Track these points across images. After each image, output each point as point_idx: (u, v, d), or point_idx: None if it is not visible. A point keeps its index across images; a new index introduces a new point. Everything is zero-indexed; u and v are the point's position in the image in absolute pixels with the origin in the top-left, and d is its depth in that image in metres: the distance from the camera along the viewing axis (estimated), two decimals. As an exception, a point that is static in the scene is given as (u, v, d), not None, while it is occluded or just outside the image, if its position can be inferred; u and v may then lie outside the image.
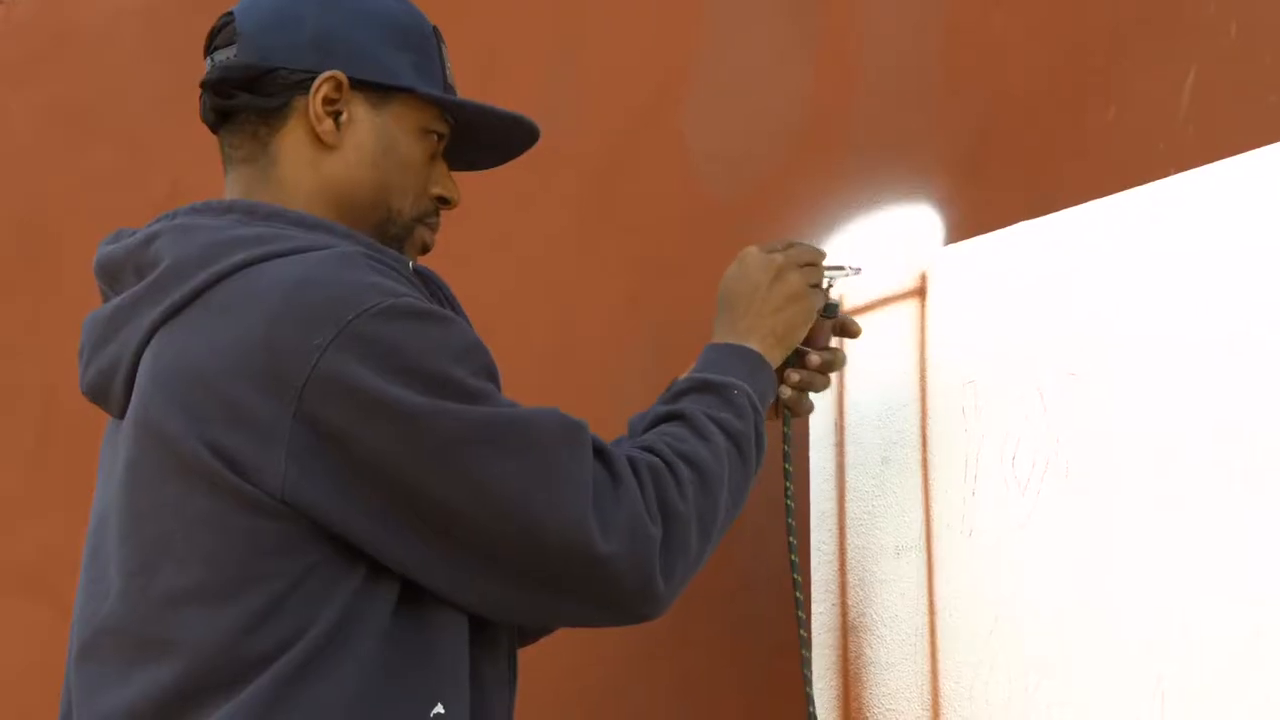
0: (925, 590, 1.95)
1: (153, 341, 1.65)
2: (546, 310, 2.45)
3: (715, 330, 1.88)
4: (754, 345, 1.85)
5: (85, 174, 3.08)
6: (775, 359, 1.87)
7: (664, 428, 1.74)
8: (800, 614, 1.94)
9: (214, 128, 1.79)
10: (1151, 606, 1.75)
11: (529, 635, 1.89)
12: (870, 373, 2.03)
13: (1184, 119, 1.84)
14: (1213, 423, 1.74)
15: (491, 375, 1.64)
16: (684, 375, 1.84)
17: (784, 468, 1.97)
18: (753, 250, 1.91)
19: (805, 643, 1.94)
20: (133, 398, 1.66)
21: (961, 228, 2.01)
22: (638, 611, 1.65)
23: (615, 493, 1.61)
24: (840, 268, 1.97)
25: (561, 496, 1.59)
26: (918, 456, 1.99)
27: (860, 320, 2.01)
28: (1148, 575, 1.76)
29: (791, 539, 1.95)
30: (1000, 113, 2.02)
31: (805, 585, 1.99)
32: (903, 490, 1.99)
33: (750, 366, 1.83)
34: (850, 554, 2.03)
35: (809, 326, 1.91)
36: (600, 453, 1.64)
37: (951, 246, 2.02)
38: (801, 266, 1.90)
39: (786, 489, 1.97)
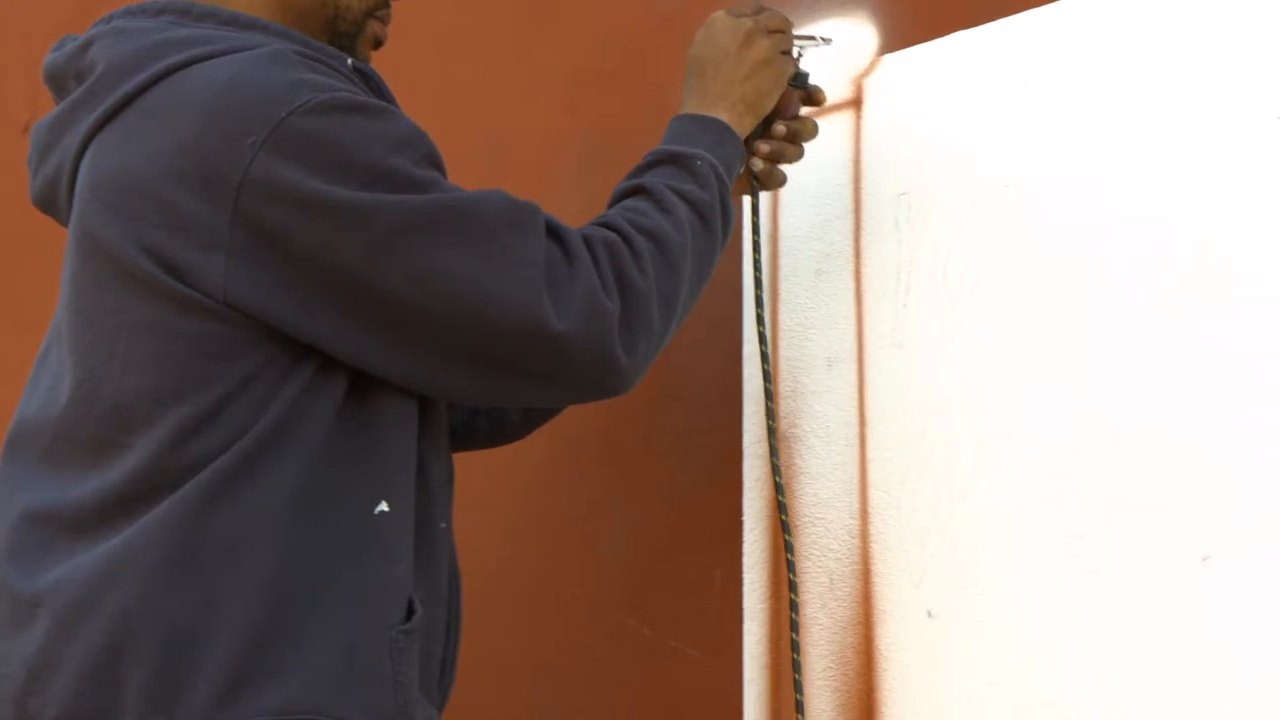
0: (856, 401, 1.96)
1: (89, 149, 1.64)
2: (482, 117, 2.43)
3: (683, 101, 1.85)
4: (722, 114, 1.82)
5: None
6: (745, 127, 1.85)
7: (626, 202, 1.73)
8: (769, 404, 1.92)
9: None
10: (1078, 418, 1.77)
11: (500, 432, 1.92)
12: (804, 184, 2.02)
13: (1122, -73, 1.82)
14: (1145, 235, 1.75)
15: (435, 163, 1.62)
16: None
17: (754, 241, 1.93)
18: (720, 15, 1.87)
19: (774, 433, 1.93)
20: (74, 206, 1.65)
21: (899, 37, 1.99)
22: (602, 386, 1.65)
23: (569, 270, 1.60)
24: (810, 37, 1.93)
25: (511, 277, 1.58)
26: (851, 269, 1.99)
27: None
28: (1075, 387, 1.78)
29: (761, 319, 1.92)
30: (939, -81, 1.99)
31: (774, 362, 1.97)
32: (835, 302, 2.00)
33: (716, 136, 1.80)
34: (783, 365, 2.04)
35: (779, 93, 1.87)
36: (554, 232, 1.63)
37: (888, 56, 2.00)
38: (771, 32, 1.86)
39: (756, 262, 1.93)
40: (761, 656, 1.99)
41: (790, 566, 1.90)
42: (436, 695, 1.69)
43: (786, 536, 1.91)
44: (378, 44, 1.79)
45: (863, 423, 1.95)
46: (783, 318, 2.04)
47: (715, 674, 2.02)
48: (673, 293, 1.68)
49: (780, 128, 1.88)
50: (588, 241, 1.64)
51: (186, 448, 1.57)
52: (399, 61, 1.97)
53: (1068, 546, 1.76)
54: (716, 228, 1.75)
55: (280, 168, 1.55)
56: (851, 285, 1.98)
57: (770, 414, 1.93)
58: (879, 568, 1.91)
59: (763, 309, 1.92)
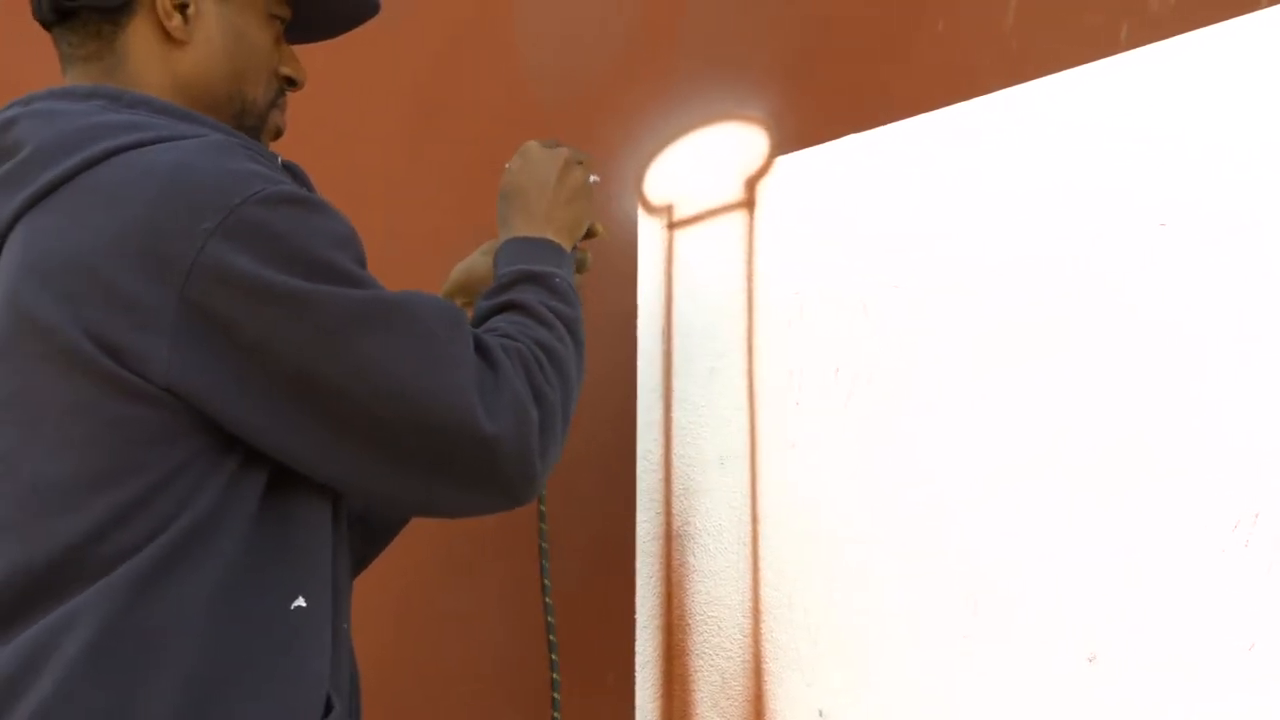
0: (749, 500, 1.97)
1: (17, 228, 1.63)
2: (375, 216, 2.42)
3: (507, 224, 1.89)
4: (551, 236, 1.88)
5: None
6: (567, 250, 1.90)
7: (509, 316, 1.75)
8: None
9: (48, 25, 1.76)
10: (966, 517, 1.79)
11: (379, 540, 1.93)
12: (698, 283, 2.04)
13: (1009, 34, 1.86)
14: (1033, 334, 1.78)
15: (364, 265, 1.64)
16: (496, 271, 1.84)
17: None
18: (534, 145, 1.95)
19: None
20: (1, 284, 1.63)
21: (791, 139, 2.02)
22: (518, 494, 1.66)
23: (495, 376, 1.63)
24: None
25: (447, 377, 1.60)
26: (744, 367, 2.00)
27: (689, 230, 2.02)
28: (963, 486, 1.79)
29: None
30: (831, 25, 2.03)
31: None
32: (728, 400, 2.01)
33: (558, 256, 1.85)
34: (676, 463, 2.04)
35: (590, 221, 1.95)
36: (476, 339, 1.65)
37: (781, 158, 2.02)
38: (578, 163, 1.94)
39: None
40: (654, 756, 1.98)
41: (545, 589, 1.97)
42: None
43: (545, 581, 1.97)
44: (278, 134, 1.81)
45: (755, 520, 1.96)
46: (676, 416, 2.05)
47: (607, 775, 2.01)
48: (568, 403, 1.72)
49: None
50: (504, 350, 1.66)
51: (111, 536, 1.54)
52: (294, 159, 1.97)
53: (957, 646, 1.77)
54: (582, 340, 1.80)
55: (231, 255, 1.55)
56: (744, 384, 2.00)
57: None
58: (771, 666, 1.91)
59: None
